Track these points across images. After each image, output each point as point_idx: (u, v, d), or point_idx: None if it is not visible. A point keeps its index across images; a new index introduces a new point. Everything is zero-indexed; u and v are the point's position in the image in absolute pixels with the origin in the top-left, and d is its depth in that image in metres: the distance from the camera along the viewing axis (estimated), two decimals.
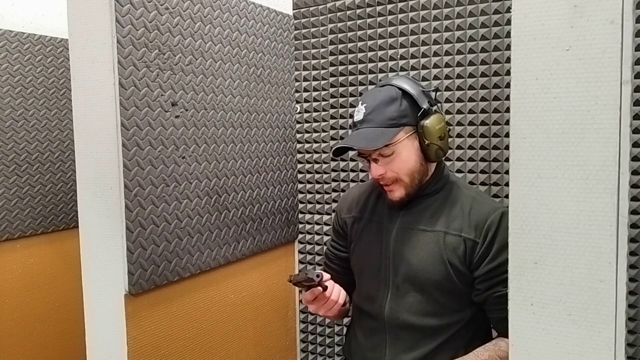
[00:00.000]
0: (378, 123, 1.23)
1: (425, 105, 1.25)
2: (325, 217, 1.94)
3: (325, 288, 1.31)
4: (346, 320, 1.58)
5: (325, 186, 1.92)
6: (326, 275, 1.32)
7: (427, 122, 1.24)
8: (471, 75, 1.61)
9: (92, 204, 1.36)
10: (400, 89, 1.25)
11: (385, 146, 1.23)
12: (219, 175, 1.60)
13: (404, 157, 1.25)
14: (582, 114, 0.81)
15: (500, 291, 1.22)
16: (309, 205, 1.96)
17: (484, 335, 1.34)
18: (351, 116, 1.85)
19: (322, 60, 1.87)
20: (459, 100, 1.63)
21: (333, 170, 1.90)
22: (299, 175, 1.96)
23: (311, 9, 1.87)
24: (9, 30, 2.02)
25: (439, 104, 1.59)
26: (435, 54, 1.66)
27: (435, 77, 1.66)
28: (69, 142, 2.23)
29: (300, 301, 1.94)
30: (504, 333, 1.28)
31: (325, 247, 1.93)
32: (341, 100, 1.85)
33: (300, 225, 1.98)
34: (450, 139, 1.35)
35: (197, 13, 1.50)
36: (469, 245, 1.25)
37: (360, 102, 1.28)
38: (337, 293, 1.36)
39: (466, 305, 1.29)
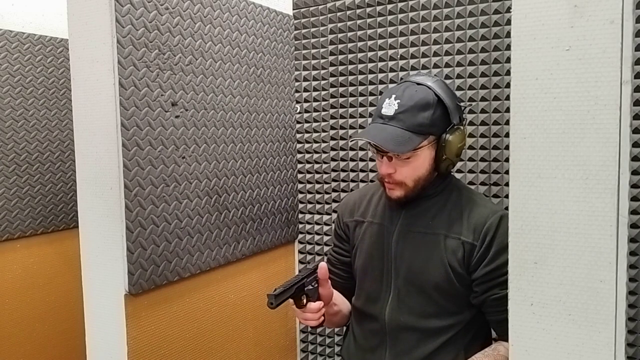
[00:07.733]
0: (408, 126, 1.20)
1: (455, 121, 1.24)
2: (325, 217, 1.94)
3: (301, 301, 1.30)
4: None
5: (325, 186, 1.92)
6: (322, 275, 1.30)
7: (452, 137, 1.23)
8: (471, 75, 1.61)
9: (92, 204, 1.36)
10: (437, 95, 1.22)
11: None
12: (219, 175, 1.60)
13: (418, 164, 1.24)
14: (582, 114, 0.81)
15: (497, 294, 1.21)
16: (309, 205, 1.96)
17: (484, 336, 1.34)
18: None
19: (322, 60, 1.87)
20: (459, 100, 1.63)
21: (333, 170, 1.90)
22: (299, 175, 1.96)
23: (311, 9, 1.87)
24: (9, 30, 2.02)
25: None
26: (435, 54, 1.66)
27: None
28: (69, 142, 2.23)
29: None
30: (502, 335, 1.28)
31: (325, 247, 1.93)
32: (341, 100, 1.85)
33: (300, 225, 1.98)
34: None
35: (197, 13, 1.50)
36: (467, 248, 1.25)
37: (393, 96, 1.22)
38: (315, 307, 1.32)
39: (466, 307, 1.29)
